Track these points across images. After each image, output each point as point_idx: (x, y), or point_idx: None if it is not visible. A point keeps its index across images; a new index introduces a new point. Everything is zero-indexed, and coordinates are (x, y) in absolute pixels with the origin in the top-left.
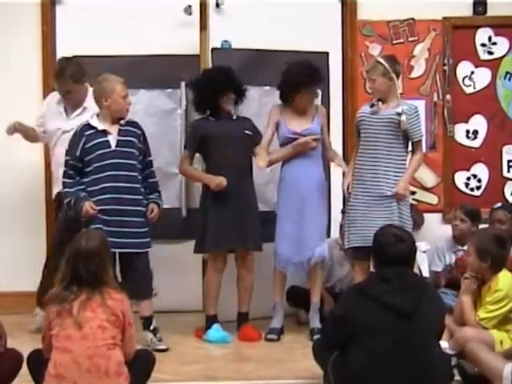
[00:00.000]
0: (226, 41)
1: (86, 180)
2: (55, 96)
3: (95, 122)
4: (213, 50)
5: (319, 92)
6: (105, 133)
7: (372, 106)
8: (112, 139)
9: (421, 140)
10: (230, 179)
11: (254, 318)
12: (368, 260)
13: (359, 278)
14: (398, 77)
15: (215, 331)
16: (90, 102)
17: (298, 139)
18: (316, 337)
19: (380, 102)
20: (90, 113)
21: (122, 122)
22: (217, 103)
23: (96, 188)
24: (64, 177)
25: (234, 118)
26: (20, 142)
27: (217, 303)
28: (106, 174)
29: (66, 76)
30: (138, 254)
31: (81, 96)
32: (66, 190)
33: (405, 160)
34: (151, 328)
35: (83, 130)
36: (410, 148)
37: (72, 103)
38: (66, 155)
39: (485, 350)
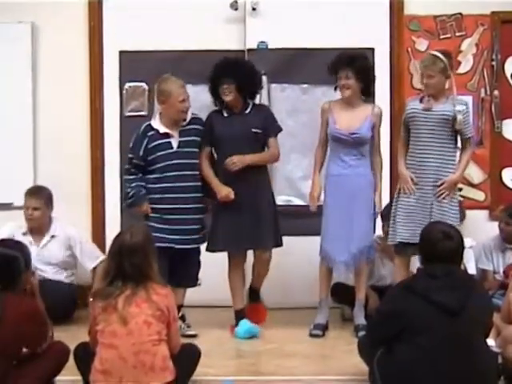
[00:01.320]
0: (262, 42)
1: (148, 177)
2: (20, 229)
3: (156, 124)
4: (249, 50)
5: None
6: (167, 135)
7: (421, 100)
8: (174, 141)
9: (470, 137)
10: (238, 180)
11: (301, 307)
12: (409, 255)
13: (400, 273)
14: (452, 71)
15: (243, 326)
16: (56, 230)
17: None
18: (361, 333)
19: (431, 98)
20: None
21: (183, 123)
22: (217, 93)
23: (157, 186)
24: (125, 174)
25: (248, 110)
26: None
27: (243, 297)
28: (168, 174)
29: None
30: (192, 248)
31: (44, 221)
32: (128, 185)
33: (455, 156)
34: (179, 315)
35: (146, 131)
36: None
37: (35, 227)
38: (129, 153)
39: None
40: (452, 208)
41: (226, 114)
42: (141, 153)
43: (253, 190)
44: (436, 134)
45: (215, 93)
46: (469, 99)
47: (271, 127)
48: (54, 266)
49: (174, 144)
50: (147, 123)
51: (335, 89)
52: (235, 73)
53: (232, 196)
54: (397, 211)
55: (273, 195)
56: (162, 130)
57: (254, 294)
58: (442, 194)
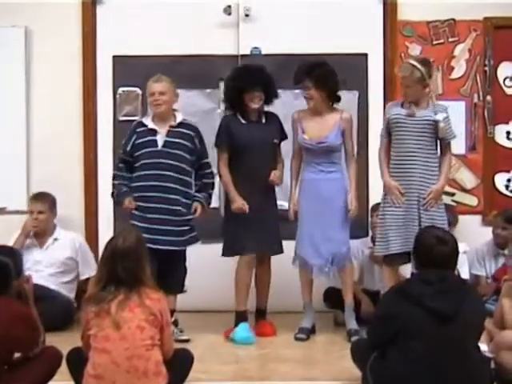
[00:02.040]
0: (255, 47)
1: (134, 175)
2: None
3: (147, 121)
4: (242, 56)
5: (310, 86)
6: (154, 132)
7: (402, 105)
8: (160, 139)
9: (451, 141)
10: (254, 187)
11: (293, 311)
12: (399, 264)
13: (390, 283)
14: (430, 79)
15: (242, 331)
16: (60, 234)
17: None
18: (354, 338)
19: (413, 105)
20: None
21: (172, 123)
22: (242, 100)
23: (139, 184)
24: (114, 169)
25: (264, 120)
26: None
27: (247, 299)
28: (149, 172)
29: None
30: (174, 250)
31: (49, 225)
32: (113, 181)
33: (438, 162)
34: (172, 320)
35: (136, 127)
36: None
37: (40, 231)
38: (120, 149)
39: None
40: (440, 214)
41: (244, 121)
42: (128, 148)
43: (267, 197)
44: (420, 140)
45: (236, 97)
46: (462, 104)
47: (284, 136)
48: (56, 267)
49: (160, 142)
50: (139, 120)
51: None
52: (266, 81)
53: (246, 210)
54: (385, 222)
55: (277, 204)
56: (151, 125)
57: (260, 313)
58: (430, 203)
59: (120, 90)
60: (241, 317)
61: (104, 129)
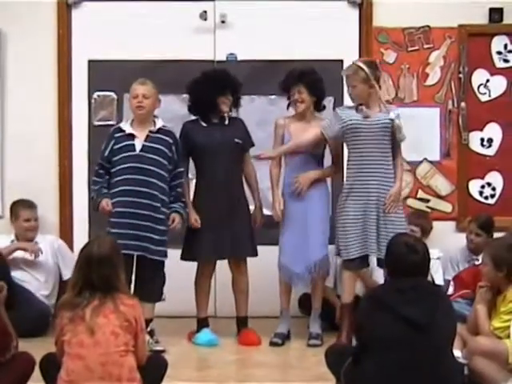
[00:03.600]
0: (231, 53)
1: (111, 181)
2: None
3: (125, 126)
4: (218, 62)
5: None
6: (132, 136)
7: (357, 109)
8: (138, 143)
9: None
10: (220, 189)
11: (261, 316)
12: (359, 269)
13: (349, 288)
14: (378, 82)
15: (204, 334)
16: (39, 237)
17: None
18: (312, 341)
19: (364, 107)
20: (41, 246)
21: (152, 128)
22: (215, 103)
23: (117, 190)
24: (94, 175)
25: (226, 122)
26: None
27: (207, 306)
28: (127, 176)
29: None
30: (151, 259)
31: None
32: (92, 187)
33: (392, 164)
34: (148, 330)
35: (114, 132)
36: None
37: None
38: (99, 155)
39: (489, 366)
40: (399, 217)
41: (204, 124)
42: (106, 153)
43: (234, 201)
44: (377, 143)
45: (210, 99)
46: (436, 111)
47: (249, 141)
48: (37, 269)
49: (138, 146)
50: (117, 125)
51: (288, 107)
52: (234, 86)
53: (198, 225)
54: (346, 227)
55: (248, 206)
56: (129, 130)
57: (241, 322)
58: (391, 206)
59: (95, 94)
60: (202, 323)
61: (79, 133)
